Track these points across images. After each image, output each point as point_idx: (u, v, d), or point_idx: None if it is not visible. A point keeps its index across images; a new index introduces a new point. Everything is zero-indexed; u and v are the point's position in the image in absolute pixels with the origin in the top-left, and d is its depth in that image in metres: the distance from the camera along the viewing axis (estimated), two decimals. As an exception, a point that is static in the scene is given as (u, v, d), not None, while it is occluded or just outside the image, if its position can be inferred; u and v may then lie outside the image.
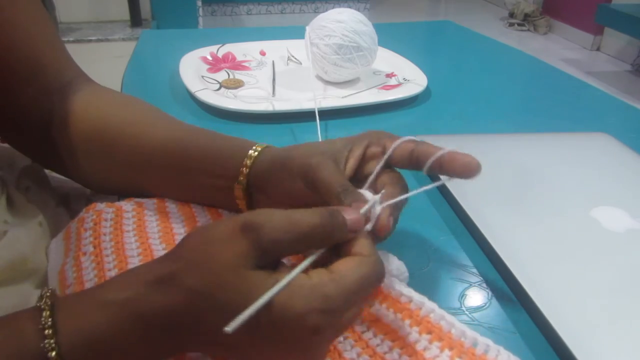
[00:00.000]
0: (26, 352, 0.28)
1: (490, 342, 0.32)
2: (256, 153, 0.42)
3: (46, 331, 0.28)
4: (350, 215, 0.31)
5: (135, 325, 0.28)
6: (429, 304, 0.34)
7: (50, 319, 0.28)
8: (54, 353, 0.27)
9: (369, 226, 0.34)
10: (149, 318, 0.28)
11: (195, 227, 0.45)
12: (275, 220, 0.29)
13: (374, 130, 0.41)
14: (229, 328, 0.25)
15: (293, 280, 0.28)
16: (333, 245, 0.31)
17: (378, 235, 0.35)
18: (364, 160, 0.40)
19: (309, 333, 0.28)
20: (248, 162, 0.42)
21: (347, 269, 0.29)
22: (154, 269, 0.29)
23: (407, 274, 0.36)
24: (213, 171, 0.44)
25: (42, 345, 0.27)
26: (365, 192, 0.35)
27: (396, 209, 0.37)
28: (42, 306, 0.29)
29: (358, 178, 0.39)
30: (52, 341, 0.27)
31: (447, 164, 0.36)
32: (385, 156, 0.38)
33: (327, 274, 0.29)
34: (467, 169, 0.36)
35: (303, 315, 0.27)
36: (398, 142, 0.38)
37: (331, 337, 0.30)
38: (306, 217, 0.30)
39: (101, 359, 0.29)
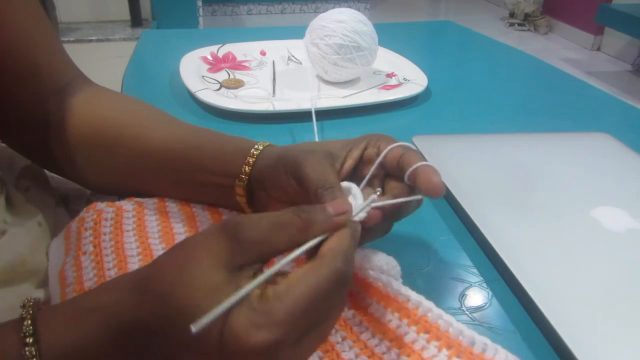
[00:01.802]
0: None
1: (488, 340, 0.32)
2: (258, 151, 0.43)
3: (27, 339, 0.27)
4: (327, 210, 0.30)
5: (110, 332, 0.28)
6: (427, 303, 0.34)
7: (31, 328, 0.28)
8: None
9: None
10: (124, 325, 0.27)
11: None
12: (254, 218, 0.28)
13: (374, 133, 0.41)
14: (195, 327, 0.24)
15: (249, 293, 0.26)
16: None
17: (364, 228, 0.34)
18: (361, 162, 0.40)
19: (256, 355, 0.25)
20: (251, 160, 0.42)
21: (296, 278, 0.27)
22: (134, 274, 0.29)
23: (398, 268, 0.36)
24: (215, 169, 0.44)
25: (22, 353, 0.27)
26: (351, 186, 0.36)
27: (391, 214, 0.37)
28: (24, 315, 0.28)
29: (358, 179, 0.39)
30: (32, 349, 0.27)
31: (417, 177, 0.36)
32: (378, 160, 0.38)
33: (283, 284, 0.27)
34: (428, 188, 0.35)
35: (243, 335, 0.25)
36: (389, 147, 0.38)
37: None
38: (281, 213, 0.29)
39: None
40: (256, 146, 0.43)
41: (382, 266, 0.35)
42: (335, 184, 0.35)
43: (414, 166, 0.36)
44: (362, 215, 0.34)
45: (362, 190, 0.37)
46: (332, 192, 0.34)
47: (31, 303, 0.29)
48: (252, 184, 0.43)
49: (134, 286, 0.28)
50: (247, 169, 0.42)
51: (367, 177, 0.38)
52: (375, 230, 0.37)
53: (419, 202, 0.38)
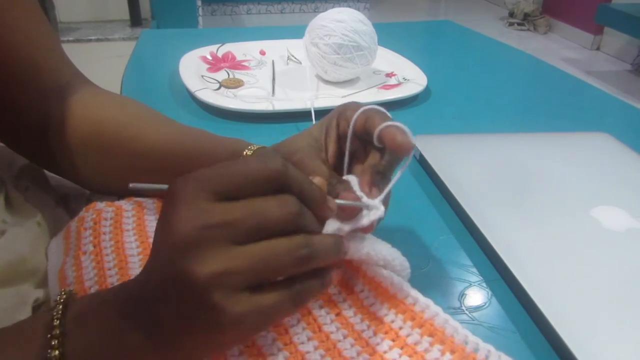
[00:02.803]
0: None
1: (491, 347, 0.32)
2: (251, 152, 0.44)
3: (53, 341, 0.28)
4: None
5: (121, 297, 0.29)
6: (434, 307, 0.34)
7: (59, 329, 0.29)
8: (57, 352, 0.28)
9: (347, 227, 0.34)
10: (132, 292, 0.29)
11: None
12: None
13: (342, 105, 0.41)
14: (131, 184, 0.28)
15: None
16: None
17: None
18: (341, 140, 0.40)
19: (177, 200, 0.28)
20: None
21: None
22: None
23: (409, 270, 0.36)
24: None
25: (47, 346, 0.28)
26: (350, 178, 0.36)
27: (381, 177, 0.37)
28: (55, 313, 0.29)
29: (344, 156, 0.40)
30: (56, 342, 0.28)
31: (383, 139, 0.36)
32: (349, 135, 0.38)
33: None
34: (394, 148, 0.35)
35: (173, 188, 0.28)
36: (353, 118, 0.38)
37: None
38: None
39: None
40: (249, 147, 0.44)
41: (396, 266, 0.36)
42: (333, 177, 0.36)
43: (378, 129, 0.36)
44: (364, 222, 0.34)
45: (352, 167, 0.37)
46: (341, 185, 0.35)
47: (64, 296, 0.31)
48: None
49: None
50: None
51: (346, 160, 0.38)
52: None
53: (400, 157, 0.37)
